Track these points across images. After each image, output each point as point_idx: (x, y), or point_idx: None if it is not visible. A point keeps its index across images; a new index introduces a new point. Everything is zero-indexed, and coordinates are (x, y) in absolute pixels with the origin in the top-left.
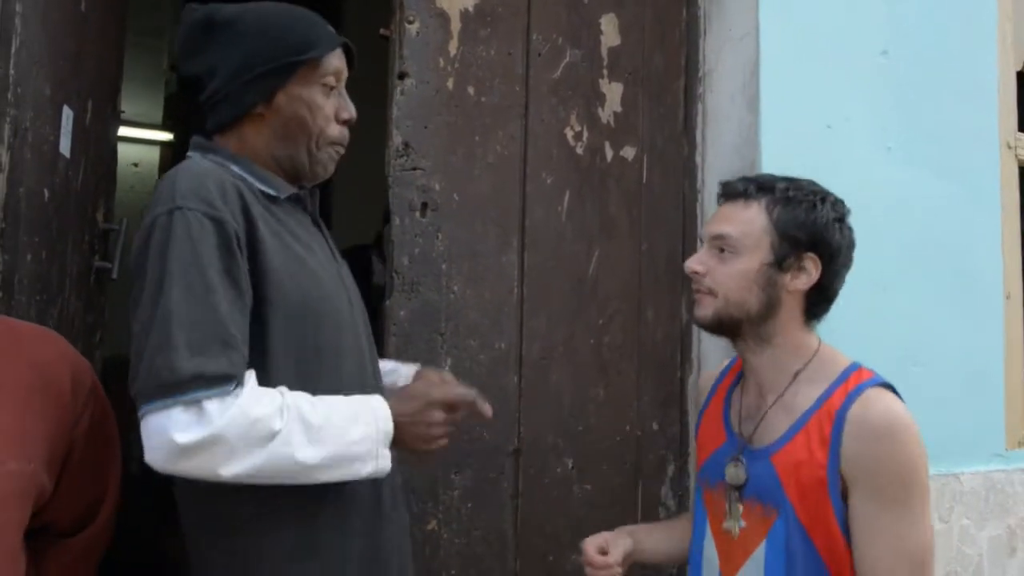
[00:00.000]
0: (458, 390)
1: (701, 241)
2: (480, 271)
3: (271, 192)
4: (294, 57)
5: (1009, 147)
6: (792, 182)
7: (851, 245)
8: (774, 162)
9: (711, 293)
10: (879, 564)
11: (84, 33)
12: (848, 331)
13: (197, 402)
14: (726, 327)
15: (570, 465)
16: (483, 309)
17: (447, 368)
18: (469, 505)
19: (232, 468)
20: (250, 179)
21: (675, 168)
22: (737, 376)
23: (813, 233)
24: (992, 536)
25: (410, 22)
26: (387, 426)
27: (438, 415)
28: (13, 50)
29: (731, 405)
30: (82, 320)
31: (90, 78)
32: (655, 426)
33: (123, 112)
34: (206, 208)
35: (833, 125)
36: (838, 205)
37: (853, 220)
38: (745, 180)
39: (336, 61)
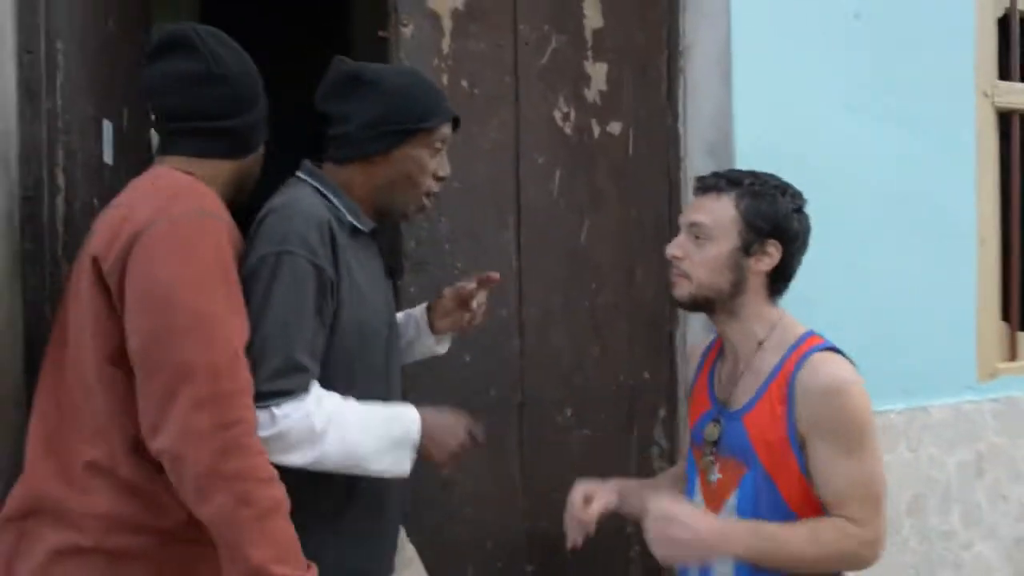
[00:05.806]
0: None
1: (678, 226)
2: (480, 249)
3: (357, 226)
4: (417, 124)
5: (986, 95)
6: (757, 177)
7: (807, 231)
8: (748, 133)
9: (686, 276)
10: (838, 495)
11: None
12: (830, 284)
13: (269, 408)
14: (700, 305)
15: (569, 414)
16: None
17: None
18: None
19: (292, 458)
20: (343, 211)
21: (659, 138)
22: (721, 349)
23: (775, 222)
24: (960, 461)
25: (404, 25)
26: (416, 436)
27: (462, 434)
28: (59, 83)
29: (715, 375)
30: None
31: (123, 92)
32: (646, 375)
33: None
34: (310, 256)
35: (806, 89)
36: (797, 197)
37: (829, 180)
38: (716, 176)
39: (446, 129)
